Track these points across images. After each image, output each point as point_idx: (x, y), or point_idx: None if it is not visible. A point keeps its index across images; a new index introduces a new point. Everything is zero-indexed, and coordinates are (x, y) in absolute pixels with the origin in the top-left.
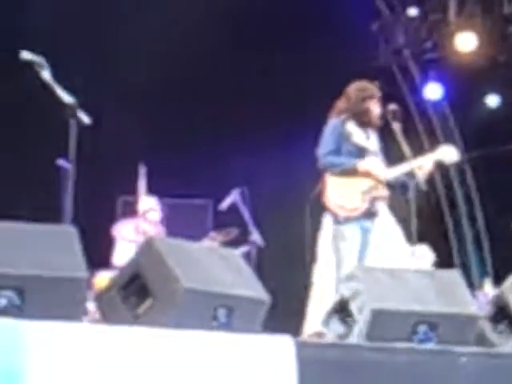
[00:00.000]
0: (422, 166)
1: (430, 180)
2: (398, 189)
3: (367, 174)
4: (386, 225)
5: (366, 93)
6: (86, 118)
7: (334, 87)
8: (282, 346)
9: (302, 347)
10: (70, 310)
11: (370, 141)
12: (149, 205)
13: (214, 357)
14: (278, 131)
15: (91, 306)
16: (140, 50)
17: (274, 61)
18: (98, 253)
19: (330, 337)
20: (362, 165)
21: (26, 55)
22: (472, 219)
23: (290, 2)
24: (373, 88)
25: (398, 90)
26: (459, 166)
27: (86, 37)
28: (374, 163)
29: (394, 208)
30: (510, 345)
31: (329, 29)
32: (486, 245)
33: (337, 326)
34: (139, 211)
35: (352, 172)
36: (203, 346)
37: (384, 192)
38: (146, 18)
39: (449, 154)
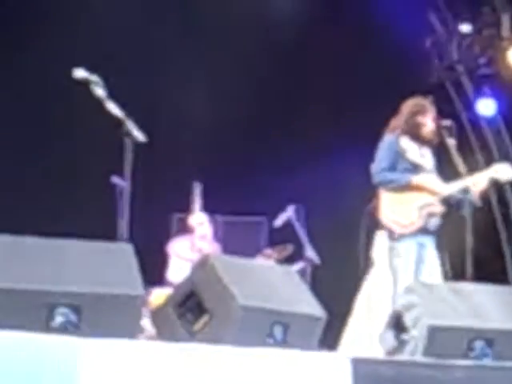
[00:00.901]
0: (476, 182)
1: (485, 196)
2: (453, 205)
3: (422, 190)
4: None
5: (418, 108)
6: (140, 136)
7: (388, 104)
8: (337, 363)
9: (357, 364)
10: (126, 328)
11: (425, 158)
12: (199, 220)
13: (270, 374)
14: (332, 147)
15: (147, 323)
16: (194, 69)
17: (328, 78)
18: (153, 270)
19: (384, 352)
20: (417, 179)
21: (80, 73)
22: None
23: (343, 21)
24: (426, 104)
25: (451, 106)
26: None
27: (139, 55)
28: (429, 178)
29: (448, 224)
30: None
31: (382, 46)
32: None
33: (391, 341)
34: (191, 225)
35: (407, 187)
36: (259, 362)
37: (439, 208)
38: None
39: (503, 171)
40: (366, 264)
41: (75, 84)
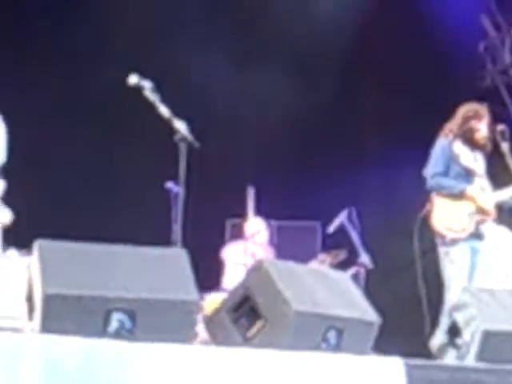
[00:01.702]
0: None
1: None
2: (505, 211)
3: (474, 198)
4: (499, 243)
5: (472, 113)
6: (194, 141)
7: (441, 108)
8: (392, 368)
9: (412, 369)
10: (181, 333)
11: (478, 163)
12: (256, 227)
13: (325, 379)
14: (385, 151)
15: (201, 328)
16: (246, 73)
17: (381, 82)
18: (207, 275)
19: (441, 358)
20: (470, 191)
21: (133, 79)
22: None
23: (397, 26)
24: (480, 109)
25: (505, 109)
26: None
27: (192, 58)
28: (480, 194)
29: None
30: None
31: (436, 50)
32: None
33: (447, 347)
34: (247, 233)
35: (459, 195)
36: (314, 367)
37: (491, 215)
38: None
39: None
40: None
41: (129, 90)
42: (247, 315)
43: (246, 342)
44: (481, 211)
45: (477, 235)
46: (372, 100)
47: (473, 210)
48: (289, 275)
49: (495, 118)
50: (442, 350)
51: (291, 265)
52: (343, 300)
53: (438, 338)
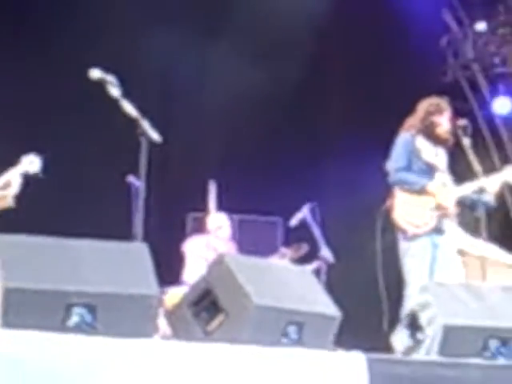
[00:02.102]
0: (490, 184)
1: (500, 197)
2: (466, 206)
3: (434, 195)
4: (456, 241)
5: (434, 108)
6: (156, 135)
7: (403, 102)
8: (353, 362)
9: (373, 363)
10: (142, 327)
11: (439, 158)
12: (219, 222)
13: (285, 373)
14: (347, 146)
15: (162, 322)
16: (210, 69)
17: (344, 78)
18: (168, 270)
19: (399, 351)
20: (431, 187)
21: (95, 73)
22: None
23: (359, 21)
24: (442, 103)
25: (467, 104)
26: None
27: (155, 54)
28: (440, 190)
29: (463, 226)
30: None
31: (398, 45)
32: None
33: (406, 341)
34: (209, 228)
35: (420, 190)
36: (274, 362)
37: (452, 210)
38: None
39: None
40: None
41: (91, 84)
42: (208, 309)
43: (207, 336)
44: (440, 208)
45: (438, 230)
46: (334, 96)
47: (436, 205)
48: (250, 269)
49: (457, 113)
50: (403, 344)
51: (252, 259)
52: (304, 294)
53: (399, 333)
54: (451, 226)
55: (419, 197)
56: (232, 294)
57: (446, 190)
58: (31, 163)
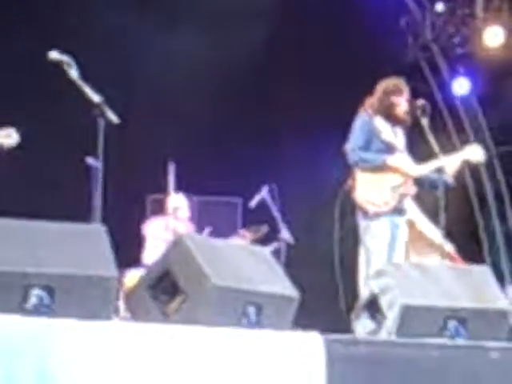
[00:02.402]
0: (449, 163)
1: (460, 176)
2: (426, 186)
3: (396, 171)
4: (416, 221)
5: (392, 88)
6: (114, 117)
7: (362, 83)
8: (310, 343)
9: (330, 344)
10: (100, 309)
11: (398, 138)
12: (178, 203)
13: (244, 354)
14: (306, 127)
15: (121, 304)
16: (168, 49)
17: (303, 58)
18: (128, 251)
19: (360, 332)
20: (392, 160)
21: (54, 55)
22: (502, 216)
23: (318, 1)
24: (400, 83)
25: (426, 85)
26: (489, 162)
27: (116, 36)
28: (403, 159)
29: (422, 205)
30: None
31: (357, 25)
32: None
33: (366, 322)
34: (168, 209)
35: (381, 168)
36: (233, 343)
37: (412, 189)
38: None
39: (475, 153)
40: (342, 244)
41: (49, 66)
42: (167, 291)
43: (166, 317)
44: (406, 178)
45: (399, 210)
46: (292, 77)
47: (396, 184)
48: (209, 250)
49: (416, 94)
50: (364, 327)
51: (212, 240)
52: (263, 275)
53: (357, 313)
54: (410, 205)
55: (380, 175)
56: (191, 275)
57: (406, 157)
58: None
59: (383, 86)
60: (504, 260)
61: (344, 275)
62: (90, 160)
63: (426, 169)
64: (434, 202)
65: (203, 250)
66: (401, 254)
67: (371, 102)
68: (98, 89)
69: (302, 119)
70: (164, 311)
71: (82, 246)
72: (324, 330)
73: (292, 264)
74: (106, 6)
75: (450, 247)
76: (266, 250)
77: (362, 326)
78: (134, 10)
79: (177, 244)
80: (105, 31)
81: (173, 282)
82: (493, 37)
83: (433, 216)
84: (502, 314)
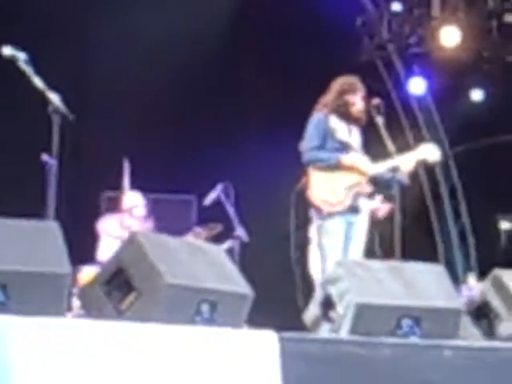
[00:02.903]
0: (404, 162)
1: (415, 175)
2: (381, 185)
3: (351, 169)
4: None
5: (347, 87)
6: (69, 114)
7: (318, 82)
8: (265, 341)
9: (285, 342)
10: (54, 306)
11: (353, 136)
12: (134, 201)
13: (198, 351)
14: (262, 125)
15: (75, 301)
16: (123, 46)
17: (257, 55)
18: (82, 248)
19: (315, 331)
20: (346, 159)
21: (7, 50)
22: (457, 214)
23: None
24: (355, 82)
25: (382, 85)
26: (444, 161)
27: (71, 32)
28: (358, 158)
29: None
30: (493, 338)
31: (314, 24)
32: (470, 239)
33: (323, 323)
34: (124, 207)
35: (336, 167)
36: (186, 340)
37: (367, 188)
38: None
39: (430, 152)
40: (298, 242)
41: (2, 61)
42: (120, 288)
43: (120, 314)
44: (361, 177)
45: (353, 209)
46: (248, 75)
47: (351, 183)
48: (162, 248)
49: (372, 93)
50: (316, 323)
51: (165, 238)
52: (217, 273)
53: (312, 311)
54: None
55: (334, 174)
56: (144, 273)
57: (361, 156)
58: None
59: (338, 84)
60: (458, 259)
61: (302, 274)
62: (44, 157)
63: (381, 168)
64: (389, 201)
65: (157, 247)
66: (356, 252)
67: (326, 101)
68: (52, 85)
69: (258, 117)
70: (118, 308)
71: (35, 242)
72: (280, 328)
73: (246, 262)
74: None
75: None
76: (221, 248)
77: (317, 323)
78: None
79: (131, 242)
80: (58, 26)
81: (126, 280)
82: (449, 37)
83: (388, 215)
84: (454, 313)
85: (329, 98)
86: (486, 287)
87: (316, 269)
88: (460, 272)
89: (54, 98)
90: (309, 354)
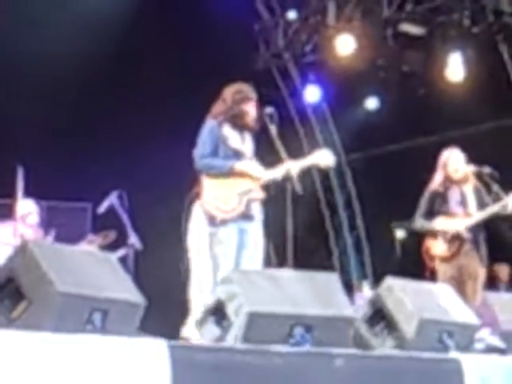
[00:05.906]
0: (297, 169)
1: (311, 183)
2: (274, 191)
3: (243, 176)
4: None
5: (241, 95)
6: None
7: (212, 89)
8: (155, 349)
9: (175, 350)
10: None
11: (246, 144)
12: (27, 209)
13: (88, 360)
14: (156, 133)
15: None
16: (18, 50)
17: (152, 60)
18: None
19: (206, 339)
20: (239, 166)
21: None
22: (352, 222)
23: (170, 7)
24: (248, 90)
25: (278, 93)
26: (339, 169)
27: None
28: (251, 165)
29: (271, 211)
30: (386, 346)
31: (209, 32)
32: (365, 247)
33: (212, 329)
34: (17, 214)
35: (229, 174)
36: (77, 349)
37: (260, 194)
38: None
39: (324, 158)
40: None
41: None
42: (11, 296)
43: (10, 322)
44: (254, 183)
45: (247, 216)
46: (143, 82)
47: (244, 189)
48: (55, 256)
49: (268, 101)
50: (207, 330)
51: (58, 246)
52: (109, 281)
53: (203, 319)
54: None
55: (226, 180)
56: (35, 281)
57: (253, 163)
58: None
59: (231, 92)
60: (353, 267)
61: None
62: None
63: (273, 174)
64: (283, 209)
65: (48, 256)
66: (250, 261)
67: (219, 109)
68: None
69: (153, 125)
70: (8, 316)
71: None
72: (171, 336)
73: (140, 270)
74: None
75: None
76: (113, 256)
77: (208, 332)
78: None
79: (22, 250)
80: None
81: (17, 288)
82: (344, 45)
83: (281, 222)
84: (346, 321)
85: (222, 106)
86: (382, 292)
87: (195, 286)
88: (354, 279)
89: None
90: (199, 362)
